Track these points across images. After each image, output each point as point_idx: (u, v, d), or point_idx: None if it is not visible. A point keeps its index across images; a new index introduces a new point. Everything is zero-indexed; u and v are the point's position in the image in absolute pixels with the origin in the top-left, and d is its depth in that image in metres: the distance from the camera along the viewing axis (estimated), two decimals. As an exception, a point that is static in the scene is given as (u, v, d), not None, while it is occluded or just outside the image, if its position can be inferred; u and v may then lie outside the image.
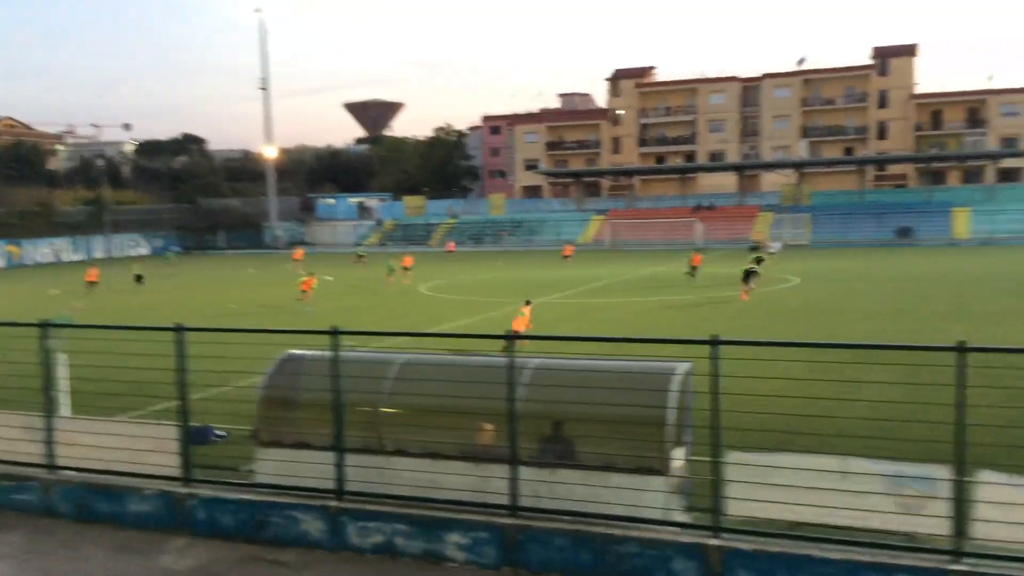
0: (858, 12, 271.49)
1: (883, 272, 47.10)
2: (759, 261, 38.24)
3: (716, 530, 8.21)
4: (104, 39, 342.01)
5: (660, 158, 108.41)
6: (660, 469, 8.68)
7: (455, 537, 8.95)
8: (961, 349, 7.45)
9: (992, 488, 7.44)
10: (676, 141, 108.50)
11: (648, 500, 8.54)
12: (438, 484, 9.22)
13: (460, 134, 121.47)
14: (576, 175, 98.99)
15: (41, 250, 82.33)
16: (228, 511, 9.87)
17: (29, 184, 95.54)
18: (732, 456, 8.22)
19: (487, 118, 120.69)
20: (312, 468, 9.58)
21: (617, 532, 8.44)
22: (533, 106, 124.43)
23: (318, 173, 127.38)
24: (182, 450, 10.20)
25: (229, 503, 9.89)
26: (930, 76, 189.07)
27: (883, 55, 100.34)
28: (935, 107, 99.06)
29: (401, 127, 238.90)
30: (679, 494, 8.93)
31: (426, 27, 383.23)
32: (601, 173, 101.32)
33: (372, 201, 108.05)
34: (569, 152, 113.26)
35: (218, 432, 14.26)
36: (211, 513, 9.94)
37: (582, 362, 10.16)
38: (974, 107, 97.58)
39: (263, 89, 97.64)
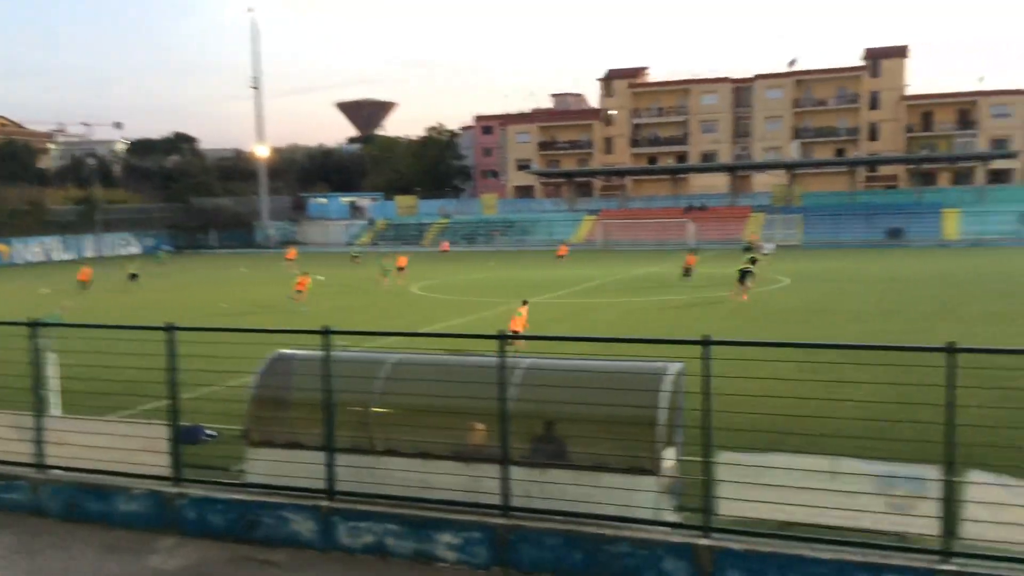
0: (849, 13, 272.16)
1: (874, 273, 47.24)
2: (753, 261, 38.32)
3: (707, 530, 8.22)
4: (96, 38, 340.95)
5: (652, 158, 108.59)
6: (651, 469, 8.69)
7: (446, 537, 8.94)
8: (951, 350, 7.47)
9: (981, 488, 7.47)
10: (668, 141, 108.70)
11: (639, 500, 8.54)
12: (429, 484, 9.21)
13: (452, 134, 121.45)
14: (568, 175, 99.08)
15: (32, 249, 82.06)
16: (218, 511, 9.85)
17: (20, 183, 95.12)
18: (723, 456, 8.22)
19: (479, 118, 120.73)
20: (303, 468, 9.55)
21: (608, 532, 8.44)
22: (525, 106, 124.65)
23: (310, 172, 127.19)
24: (172, 450, 10.16)
25: (219, 503, 9.87)
26: (921, 77, 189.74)
27: (874, 56, 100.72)
28: (926, 108, 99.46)
29: (393, 127, 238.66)
30: (670, 494, 8.94)
31: (418, 27, 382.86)
32: (593, 173, 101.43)
33: (364, 201, 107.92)
34: (561, 152, 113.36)
35: (208, 432, 14.24)
36: (201, 513, 9.91)
37: (574, 362, 10.17)
38: (965, 108, 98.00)
39: (255, 88, 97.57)
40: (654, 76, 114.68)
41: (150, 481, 10.19)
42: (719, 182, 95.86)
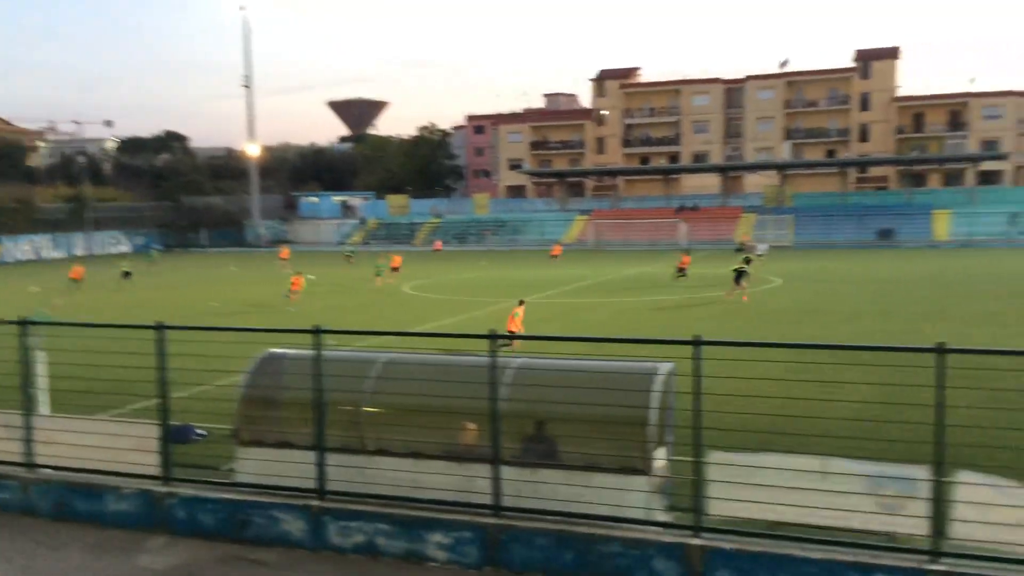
0: (841, 15, 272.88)
1: (864, 273, 47.38)
2: (748, 262, 38.40)
3: (697, 530, 8.23)
4: (87, 35, 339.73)
5: (644, 159, 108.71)
6: (642, 469, 8.69)
7: (437, 537, 8.94)
8: (941, 350, 7.50)
9: (970, 489, 7.50)
10: (660, 142, 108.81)
11: (630, 500, 8.55)
12: (420, 484, 9.20)
13: (444, 133, 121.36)
14: (560, 175, 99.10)
15: (21, 247, 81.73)
16: (208, 510, 9.82)
17: (9, 181, 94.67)
18: (714, 456, 8.24)
19: (471, 117, 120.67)
20: (293, 467, 9.54)
21: (599, 532, 8.45)
22: (517, 106, 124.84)
23: (301, 171, 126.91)
24: (162, 449, 10.14)
25: (209, 502, 9.84)
26: (912, 79, 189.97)
27: (865, 58, 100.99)
28: (917, 110, 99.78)
29: (385, 126, 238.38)
30: (661, 494, 8.94)
31: (410, 26, 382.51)
32: (585, 173, 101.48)
33: (355, 200, 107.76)
34: (553, 152, 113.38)
35: (199, 431, 14.19)
36: (191, 512, 9.88)
37: (565, 362, 10.17)
38: (955, 110, 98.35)
39: (246, 87, 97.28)
40: (646, 76, 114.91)
41: (140, 480, 10.16)
42: (711, 182, 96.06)
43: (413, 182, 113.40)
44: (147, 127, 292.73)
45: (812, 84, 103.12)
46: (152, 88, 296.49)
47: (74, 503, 10.45)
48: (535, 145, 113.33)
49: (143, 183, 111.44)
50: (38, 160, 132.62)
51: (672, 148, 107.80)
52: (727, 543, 8.06)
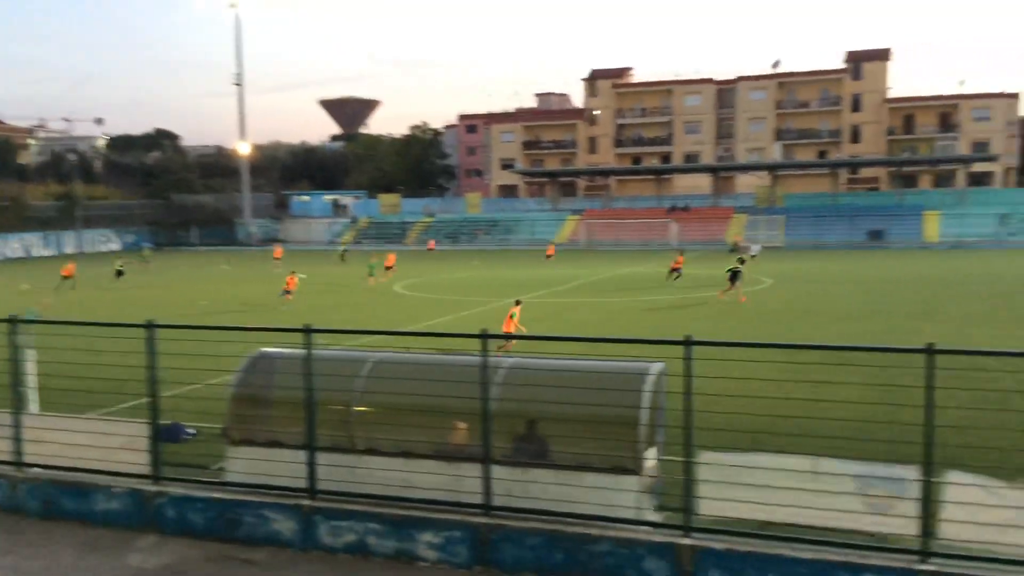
0: (833, 16, 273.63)
1: (855, 274, 47.52)
2: (742, 262, 38.48)
3: (688, 530, 8.24)
4: (77, 33, 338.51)
5: (636, 159, 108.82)
6: (633, 469, 8.70)
7: (428, 536, 8.93)
8: (930, 351, 7.52)
9: (960, 489, 7.52)
10: (652, 142, 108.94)
11: (621, 500, 8.55)
12: (411, 483, 9.19)
13: (436, 132, 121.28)
14: (552, 175, 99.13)
15: (11, 245, 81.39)
16: (198, 510, 9.79)
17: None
18: (704, 456, 8.25)
19: (463, 116, 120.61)
20: (284, 467, 9.52)
21: (590, 531, 8.45)
22: (510, 105, 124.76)
23: (293, 170, 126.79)
24: (152, 448, 10.10)
25: (199, 501, 9.81)
26: (903, 80, 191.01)
27: (857, 59, 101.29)
28: (907, 111, 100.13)
29: (377, 125, 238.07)
30: (652, 494, 8.95)
31: (403, 25, 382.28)
32: (577, 173, 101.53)
33: (347, 199, 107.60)
34: (545, 152, 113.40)
35: (189, 430, 14.16)
36: (181, 512, 9.85)
37: (556, 362, 10.17)
38: (946, 112, 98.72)
39: (238, 85, 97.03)
40: (638, 77, 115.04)
41: (130, 479, 10.12)
42: (702, 183, 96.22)
43: (405, 181, 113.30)
44: (138, 125, 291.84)
45: (803, 85, 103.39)
46: (143, 86, 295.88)
47: (63, 502, 10.40)
48: (527, 145, 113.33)
49: (134, 181, 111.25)
50: (28, 158, 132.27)
51: (664, 148, 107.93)
52: (717, 543, 8.07)
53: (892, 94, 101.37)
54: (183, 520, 9.82)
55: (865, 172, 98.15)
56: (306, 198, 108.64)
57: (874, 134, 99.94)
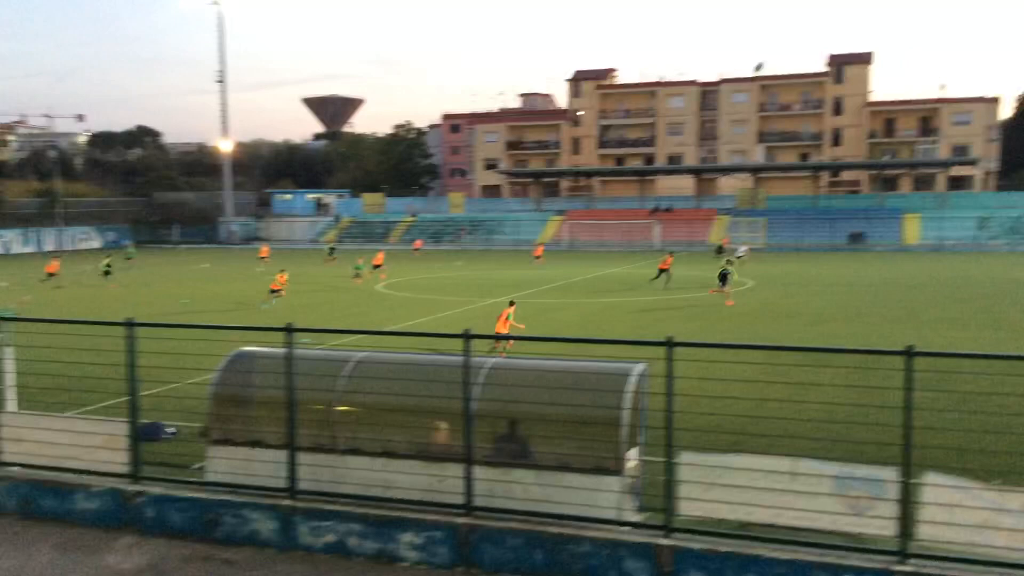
0: (815, 20, 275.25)
1: (835, 276, 47.80)
2: (729, 263, 38.63)
3: (668, 530, 8.27)
4: (58, 28, 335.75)
5: (619, 160, 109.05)
6: (614, 469, 8.72)
7: (408, 537, 8.92)
8: (909, 353, 7.58)
9: (937, 490, 7.58)
10: (635, 143, 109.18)
11: (602, 500, 8.57)
12: (392, 483, 9.18)
13: (420, 132, 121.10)
14: (535, 175, 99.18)
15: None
16: (177, 509, 9.74)
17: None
18: (685, 456, 8.28)
19: (447, 116, 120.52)
20: (264, 466, 9.49)
21: (570, 532, 8.46)
22: (494, 105, 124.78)
23: (275, 168, 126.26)
24: (131, 447, 10.04)
25: (178, 501, 9.76)
26: (885, 84, 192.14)
27: (839, 63, 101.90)
28: (888, 115, 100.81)
29: (360, 123, 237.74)
30: (632, 494, 8.98)
31: (387, 24, 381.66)
32: (560, 174, 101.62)
33: (330, 197, 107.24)
34: (529, 152, 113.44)
35: (169, 429, 14.09)
36: (160, 511, 9.80)
37: (538, 362, 10.18)
38: (927, 115, 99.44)
39: (220, 82, 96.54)
40: (622, 78, 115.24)
41: (109, 479, 10.06)
42: (685, 184, 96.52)
43: (388, 180, 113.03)
44: (119, 122, 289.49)
45: (786, 88, 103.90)
46: (125, 82, 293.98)
47: (42, 501, 10.33)
48: (511, 145, 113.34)
49: (115, 178, 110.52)
50: (8, 154, 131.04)
51: (647, 149, 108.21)
52: (697, 543, 8.11)
53: (873, 98, 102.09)
54: (163, 520, 9.78)
55: (846, 175, 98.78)
56: (289, 197, 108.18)
57: (855, 137, 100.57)
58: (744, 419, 10.66)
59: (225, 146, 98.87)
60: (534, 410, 9.15)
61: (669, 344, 8.22)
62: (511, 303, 24.05)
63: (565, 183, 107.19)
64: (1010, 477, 8.44)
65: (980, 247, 71.42)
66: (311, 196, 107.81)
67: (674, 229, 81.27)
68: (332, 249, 66.14)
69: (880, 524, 7.69)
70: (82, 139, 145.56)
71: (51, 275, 45.65)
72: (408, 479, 9.13)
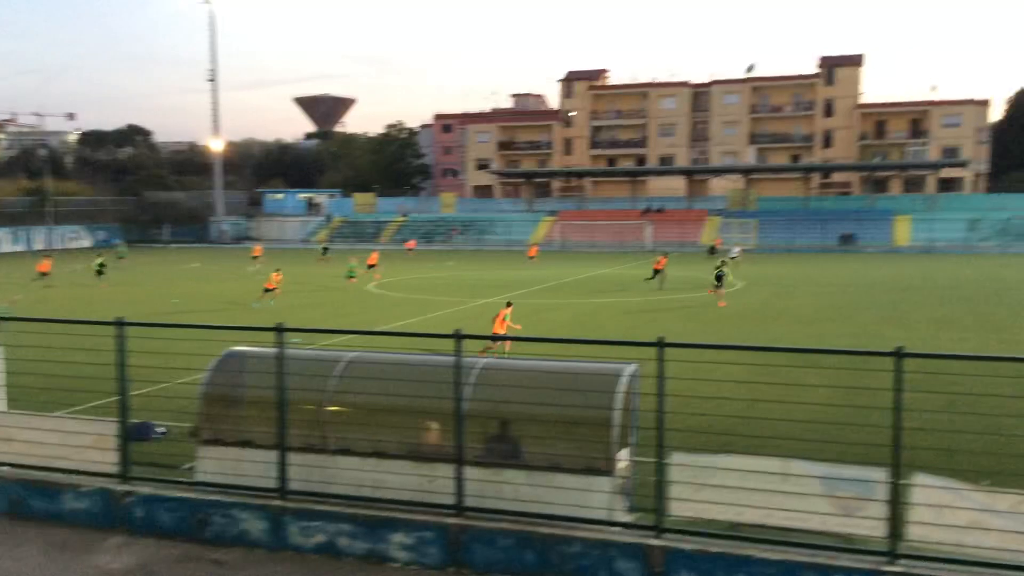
0: (806, 22, 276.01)
1: (826, 278, 47.94)
2: (723, 264, 38.73)
3: (659, 530, 8.28)
4: (49, 26, 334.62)
5: (611, 160, 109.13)
6: (605, 470, 8.73)
7: (399, 537, 8.91)
8: (899, 355, 7.61)
9: (926, 491, 7.61)
10: (627, 144, 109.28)
11: (593, 500, 8.58)
12: (383, 483, 9.17)
13: (412, 132, 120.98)
14: (527, 175, 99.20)
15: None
16: (167, 509, 9.72)
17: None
18: (675, 457, 8.29)
19: (439, 116, 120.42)
20: (254, 467, 9.47)
21: (561, 532, 8.47)
22: (486, 105, 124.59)
23: (266, 168, 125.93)
24: (121, 447, 10.01)
25: (168, 501, 9.74)
26: (876, 86, 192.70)
27: (830, 65, 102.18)
28: (879, 117, 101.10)
29: (352, 123, 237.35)
30: (623, 494, 8.99)
31: (379, 23, 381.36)
32: (552, 174, 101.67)
33: (321, 197, 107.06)
34: (521, 152, 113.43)
35: (159, 429, 14.05)
36: (150, 511, 9.77)
37: (529, 362, 10.19)
38: (917, 118, 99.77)
39: (211, 81, 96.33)
40: (614, 79, 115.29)
41: (98, 479, 10.03)
42: (676, 185, 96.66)
43: (380, 180, 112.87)
44: (110, 120, 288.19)
45: (777, 90, 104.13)
46: (116, 81, 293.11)
47: (31, 501, 10.29)
48: (503, 145, 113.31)
49: (105, 177, 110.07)
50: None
51: (639, 150, 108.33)
52: (687, 544, 8.12)
53: (864, 100, 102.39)
54: (152, 520, 9.75)
55: (837, 176, 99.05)
56: (280, 196, 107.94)
57: (846, 139, 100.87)
58: (735, 420, 10.68)
59: (216, 145, 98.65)
60: (525, 410, 9.15)
61: (660, 345, 8.23)
62: (508, 304, 24.04)
63: (557, 183, 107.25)
64: (998, 478, 8.48)
65: (970, 249, 71.74)
66: (302, 196, 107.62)
67: (666, 230, 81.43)
68: (326, 249, 66.00)
69: (870, 525, 7.71)
70: (72, 138, 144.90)
71: (43, 274, 45.47)
72: (399, 479, 9.12)
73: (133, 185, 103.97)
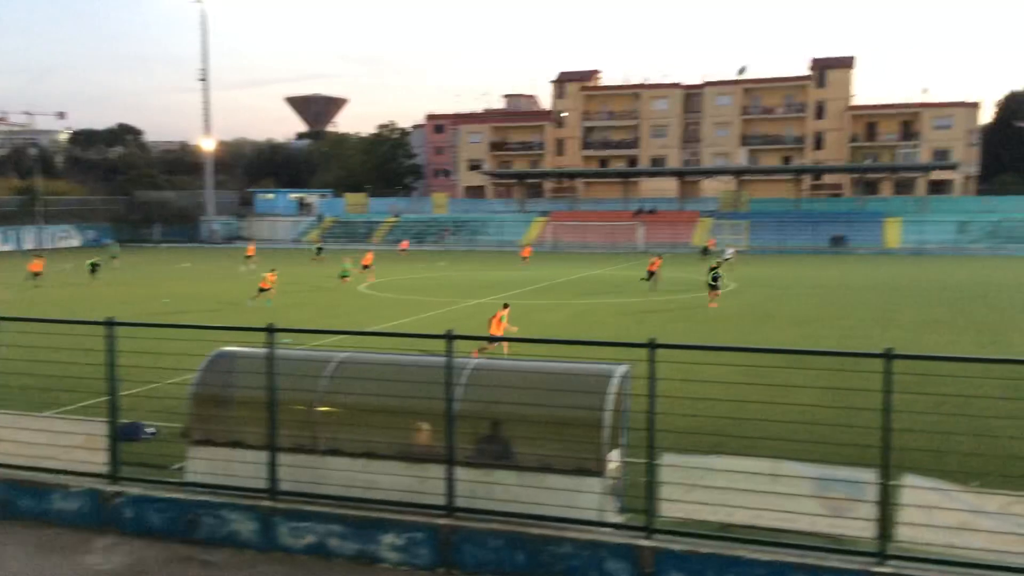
0: (798, 24, 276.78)
1: (817, 279, 48.07)
2: (718, 265, 38.83)
3: (649, 531, 8.29)
4: (39, 25, 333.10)
5: (603, 161, 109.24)
6: (596, 470, 8.73)
7: (390, 538, 8.90)
8: (888, 356, 7.63)
9: (916, 492, 7.63)
10: (619, 145, 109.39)
11: (583, 501, 8.59)
12: (374, 484, 9.16)
13: (404, 132, 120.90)
14: (519, 176, 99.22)
15: (-31, 240, 79.99)
16: (157, 510, 9.68)
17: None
18: (666, 458, 8.31)
19: (431, 116, 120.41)
20: (245, 467, 9.44)
21: (552, 533, 8.47)
22: (478, 106, 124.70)
23: (258, 167, 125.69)
24: (111, 447, 9.98)
25: (158, 501, 9.70)
26: (867, 88, 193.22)
27: (821, 67, 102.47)
28: (870, 119, 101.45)
29: (344, 123, 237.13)
30: (614, 495, 8.99)
31: (371, 23, 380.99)
32: (544, 175, 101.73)
33: (312, 197, 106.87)
34: (513, 153, 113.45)
35: (148, 429, 14.00)
36: (139, 512, 9.74)
37: (520, 363, 10.19)
38: (907, 120, 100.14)
39: (203, 80, 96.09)
40: (606, 80, 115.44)
41: (88, 479, 9.99)
42: (668, 186, 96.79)
43: (372, 180, 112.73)
44: (101, 119, 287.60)
45: (769, 91, 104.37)
46: (106, 80, 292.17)
47: (20, 502, 10.24)
48: (495, 146, 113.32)
49: (96, 176, 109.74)
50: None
51: (630, 151, 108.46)
52: (677, 545, 8.13)
53: (855, 102, 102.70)
54: (142, 520, 9.71)
55: (828, 178, 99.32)
56: (271, 196, 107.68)
57: (837, 141, 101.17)
58: (725, 421, 10.71)
59: (207, 145, 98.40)
60: (516, 411, 9.15)
61: (651, 346, 8.24)
62: (505, 305, 24.02)
63: (549, 184, 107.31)
64: (987, 479, 8.52)
65: (960, 251, 72.02)
66: (294, 196, 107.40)
67: (657, 231, 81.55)
68: (320, 249, 65.91)
69: (859, 525, 7.73)
70: (63, 137, 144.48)
71: (35, 274, 45.29)
72: (389, 480, 9.10)
73: (124, 184, 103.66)
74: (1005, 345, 25.21)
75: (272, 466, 9.38)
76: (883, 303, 35.93)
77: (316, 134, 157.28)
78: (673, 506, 8.26)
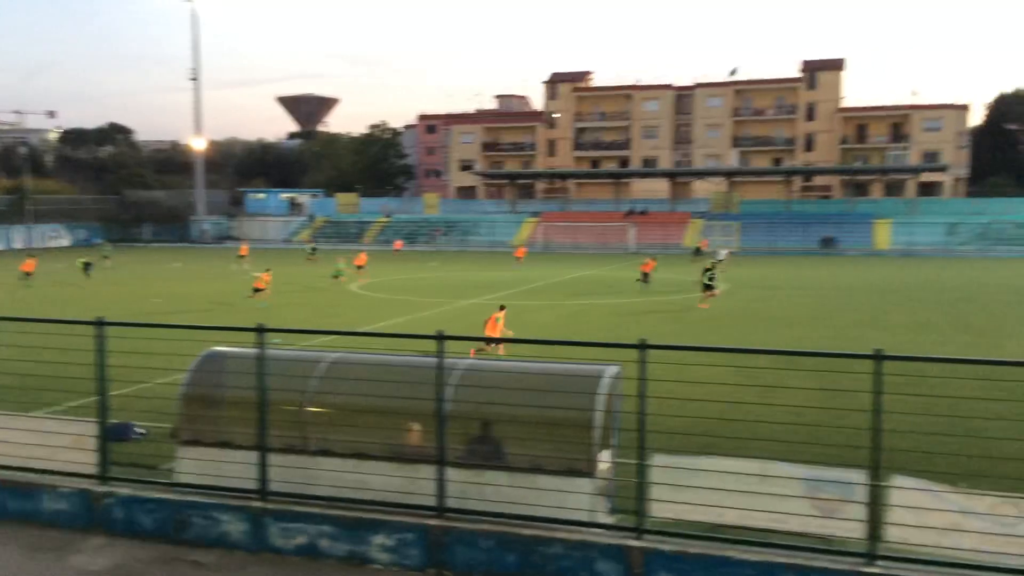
0: (789, 26, 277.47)
1: (807, 280, 48.20)
2: (712, 266, 38.90)
3: (639, 532, 8.30)
4: (29, 23, 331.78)
5: (594, 162, 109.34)
6: (587, 471, 8.74)
7: (380, 538, 8.89)
8: (878, 357, 7.66)
9: (905, 493, 7.66)
10: (610, 146, 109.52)
11: (574, 502, 8.59)
12: (364, 485, 9.14)
13: (395, 132, 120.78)
14: (511, 177, 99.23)
15: (-43, 239, 79.57)
16: (146, 510, 9.65)
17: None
18: (657, 459, 8.31)
19: (423, 117, 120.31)
20: (235, 468, 9.42)
21: (542, 533, 8.47)
22: (470, 106, 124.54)
23: (249, 167, 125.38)
24: (100, 447, 9.94)
25: (147, 502, 9.67)
26: (857, 90, 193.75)
27: (812, 69, 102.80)
28: (860, 121, 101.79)
29: (335, 123, 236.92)
30: (604, 496, 9.00)
31: (363, 23, 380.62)
32: (536, 175, 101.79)
33: (304, 197, 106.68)
34: (505, 153, 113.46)
35: (138, 429, 13.95)
36: (129, 512, 9.70)
37: (511, 364, 10.19)
38: (897, 122, 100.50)
39: (194, 80, 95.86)
40: (598, 81, 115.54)
41: (77, 479, 9.95)
42: (660, 187, 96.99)
43: (363, 180, 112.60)
44: (91, 119, 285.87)
45: (760, 93, 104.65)
46: (97, 79, 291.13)
47: (8, 502, 10.20)
48: (486, 146, 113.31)
49: (86, 176, 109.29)
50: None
51: (622, 152, 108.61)
52: (667, 545, 8.14)
53: (846, 104, 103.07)
54: (131, 521, 9.68)
55: (818, 180, 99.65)
56: (262, 196, 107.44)
57: (827, 143, 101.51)
58: (715, 421, 10.72)
59: (198, 144, 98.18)
60: (507, 412, 9.15)
61: (642, 346, 8.25)
62: (501, 307, 23.94)
63: (540, 185, 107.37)
64: (976, 480, 8.55)
65: (950, 252, 72.31)
66: (285, 195, 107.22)
67: (649, 232, 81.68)
68: (314, 249, 65.80)
69: (849, 526, 7.76)
70: (53, 136, 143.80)
71: (27, 274, 45.08)
72: (380, 480, 9.09)
73: (114, 184, 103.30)
74: (994, 347, 25.32)
75: (262, 466, 9.36)
76: (873, 304, 36.04)
77: (307, 134, 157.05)
78: (663, 507, 8.27)
